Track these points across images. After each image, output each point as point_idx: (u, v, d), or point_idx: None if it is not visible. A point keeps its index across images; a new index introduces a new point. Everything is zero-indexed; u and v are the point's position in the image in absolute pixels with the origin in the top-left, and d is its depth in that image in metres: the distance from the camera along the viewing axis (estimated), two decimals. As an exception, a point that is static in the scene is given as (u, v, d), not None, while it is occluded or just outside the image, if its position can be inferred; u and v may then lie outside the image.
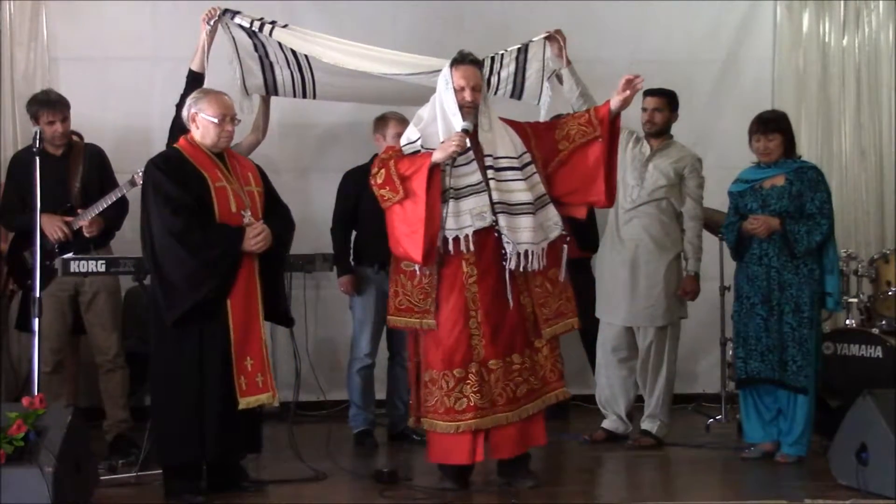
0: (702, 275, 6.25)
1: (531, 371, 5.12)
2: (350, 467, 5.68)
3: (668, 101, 6.21)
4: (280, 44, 5.89)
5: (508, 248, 5.00)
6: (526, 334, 5.12)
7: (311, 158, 7.32)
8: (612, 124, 5.13)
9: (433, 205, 4.95)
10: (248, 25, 5.86)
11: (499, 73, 5.80)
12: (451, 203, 5.00)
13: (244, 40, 5.94)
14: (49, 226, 5.73)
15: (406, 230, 5.00)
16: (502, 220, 5.02)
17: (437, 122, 5.11)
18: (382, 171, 5.07)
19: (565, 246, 5.21)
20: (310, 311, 6.94)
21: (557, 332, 5.19)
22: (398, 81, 5.83)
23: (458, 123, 5.00)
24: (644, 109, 6.18)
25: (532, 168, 5.15)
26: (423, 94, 5.93)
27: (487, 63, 5.79)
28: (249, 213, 4.99)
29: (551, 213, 5.15)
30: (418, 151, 5.08)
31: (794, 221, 5.69)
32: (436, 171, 4.98)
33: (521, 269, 5.04)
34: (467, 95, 5.05)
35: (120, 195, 5.87)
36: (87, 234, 5.84)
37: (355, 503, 5.21)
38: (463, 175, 5.03)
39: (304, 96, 6.16)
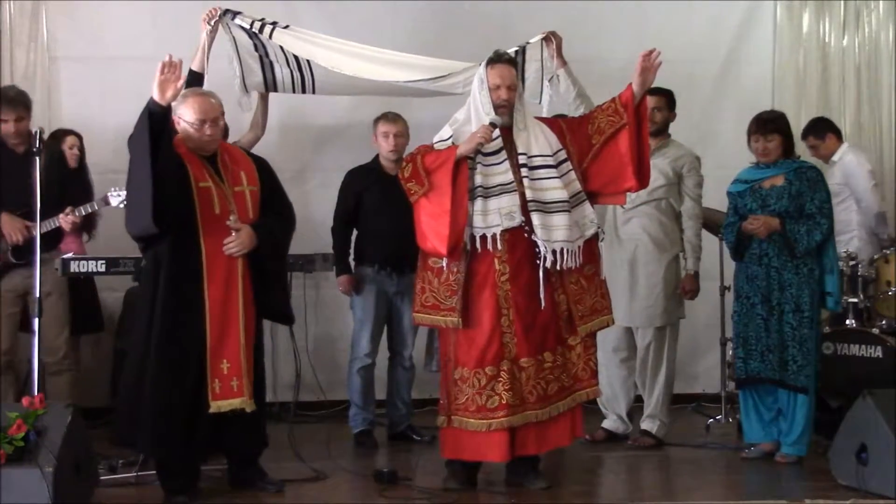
0: (702, 275, 6.25)
1: (563, 369, 5.10)
2: (350, 467, 5.67)
3: (666, 100, 6.20)
4: (280, 45, 5.90)
5: (541, 248, 4.98)
6: (559, 332, 5.09)
7: (310, 158, 7.32)
8: (637, 109, 5.09)
9: (459, 197, 4.94)
10: (248, 26, 5.87)
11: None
12: (479, 201, 4.97)
13: (244, 40, 5.95)
14: (10, 227, 5.70)
15: (432, 223, 4.98)
16: (535, 219, 4.99)
17: (472, 122, 5.10)
18: (409, 165, 5.07)
19: (601, 243, 5.21)
20: (310, 311, 6.94)
21: (593, 329, 5.17)
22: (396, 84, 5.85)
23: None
24: (643, 108, 6.18)
25: (568, 165, 5.12)
26: (423, 89, 5.94)
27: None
28: (235, 217, 4.92)
29: (587, 210, 5.13)
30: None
31: (793, 221, 5.69)
32: (462, 164, 4.97)
33: (557, 268, 5.03)
34: (503, 94, 5.05)
35: (90, 210, 5.84)
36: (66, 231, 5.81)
37: (355, 503, 5.21)
38: (494, 174, 5.02)
39: (304, 92, 6.16)
